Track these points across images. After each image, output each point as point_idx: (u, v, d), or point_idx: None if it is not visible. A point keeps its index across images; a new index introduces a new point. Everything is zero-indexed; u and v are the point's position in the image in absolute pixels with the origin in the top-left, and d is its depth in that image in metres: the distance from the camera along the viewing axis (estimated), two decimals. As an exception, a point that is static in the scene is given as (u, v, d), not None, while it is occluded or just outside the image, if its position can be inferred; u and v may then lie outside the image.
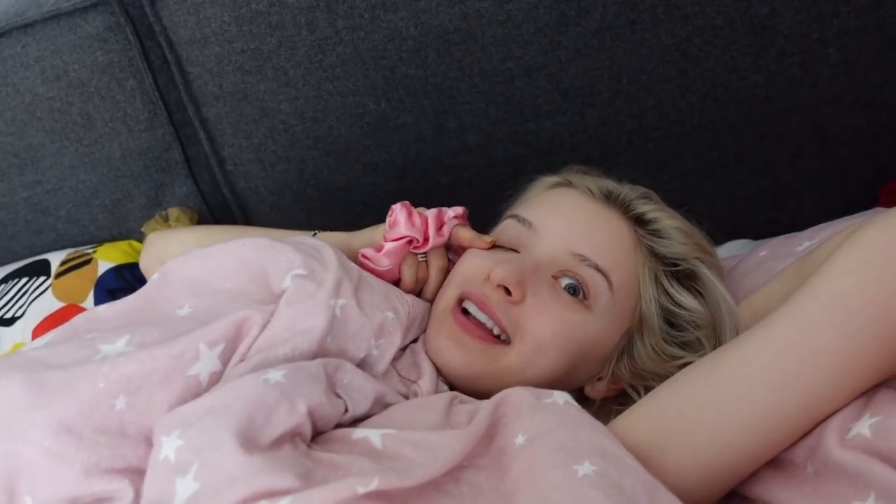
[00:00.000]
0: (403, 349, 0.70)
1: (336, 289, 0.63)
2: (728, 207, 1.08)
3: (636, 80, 0.96)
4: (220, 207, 1.08)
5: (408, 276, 0.74)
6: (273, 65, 0.94)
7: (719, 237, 0.77)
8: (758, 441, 0.55)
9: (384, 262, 0.73)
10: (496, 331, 0.68)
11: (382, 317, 0.66)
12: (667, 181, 1.03)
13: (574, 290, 0.68)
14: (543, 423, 0.54)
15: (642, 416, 0.59)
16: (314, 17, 0.90)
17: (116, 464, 0.51)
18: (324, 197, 1.07)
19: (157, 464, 0.48)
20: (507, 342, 0.68)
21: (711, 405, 0.56)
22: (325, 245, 0.69)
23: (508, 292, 0.67)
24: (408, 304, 0.70)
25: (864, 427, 0.53)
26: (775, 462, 0.58)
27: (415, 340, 0.72)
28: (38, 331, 0.95)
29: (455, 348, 0.67)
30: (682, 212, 0.76)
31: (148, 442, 0.52)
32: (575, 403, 0.58)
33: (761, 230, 1.05)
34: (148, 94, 0.97)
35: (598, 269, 0.69)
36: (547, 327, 0.67)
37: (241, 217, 1.09)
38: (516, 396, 0.57)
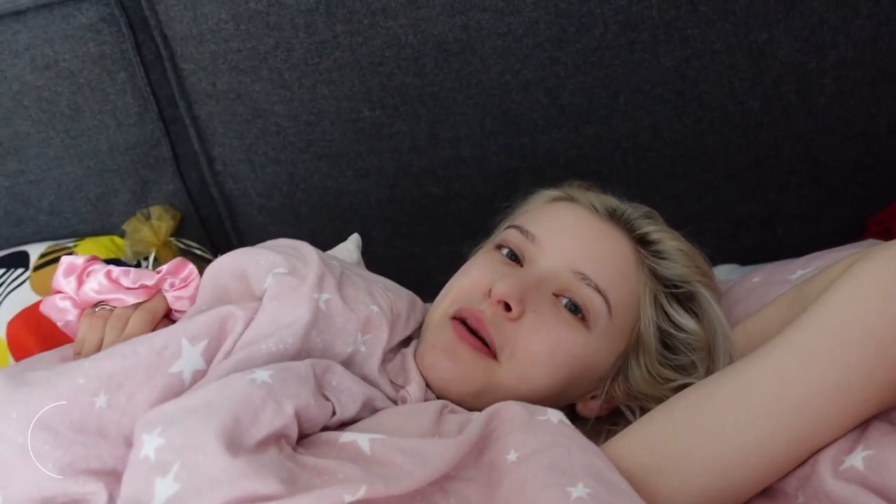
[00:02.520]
0: (394, 353, 0.68)
1: (319, 283, 0.62)
2: (718, 230, 1.08)
3: (633, 99, 0.96)
4: (206, 207, 1.07)
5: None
6: (269, 65, 0.93)
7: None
8: (754, 469, 0.55)
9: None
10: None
11: (367, 311, 0.65)
12: (659, 201, 1.02)
13: (574, 309, 0.67)
14: (537, 440, 0.53)
15: (636, 440, 0.58)
16: (313, 20, 0.90)
17: (92, 465, 0.50)
18: (313, 201, 1.06)
19: (137, 462, 0.46)
20: (495, 358, 0.66)
21: (707, 432, 0.55)
22: (304, 244, 0.69)
23: (508, 308, 0.65)
24: (389, 299, 0.68)
25: (857, 459, 0.52)
26: (766, 491, 0.57)
27: (405, 345, 0.70)
28: (14, 323, 0.93)
29: (448, 360, 0.65)
30: (683, 233, 0.76)
31: (128, 443, 0.51)
32: (569, 423, 0.57)
33: (749, 255, 1.05)
34: (139, 88, 0.96)
35: (597, 289, 0.67)
36: (544, 345, 0.65)
37: (228, 218, 1.08)
38: (509, 411, 0.56)
